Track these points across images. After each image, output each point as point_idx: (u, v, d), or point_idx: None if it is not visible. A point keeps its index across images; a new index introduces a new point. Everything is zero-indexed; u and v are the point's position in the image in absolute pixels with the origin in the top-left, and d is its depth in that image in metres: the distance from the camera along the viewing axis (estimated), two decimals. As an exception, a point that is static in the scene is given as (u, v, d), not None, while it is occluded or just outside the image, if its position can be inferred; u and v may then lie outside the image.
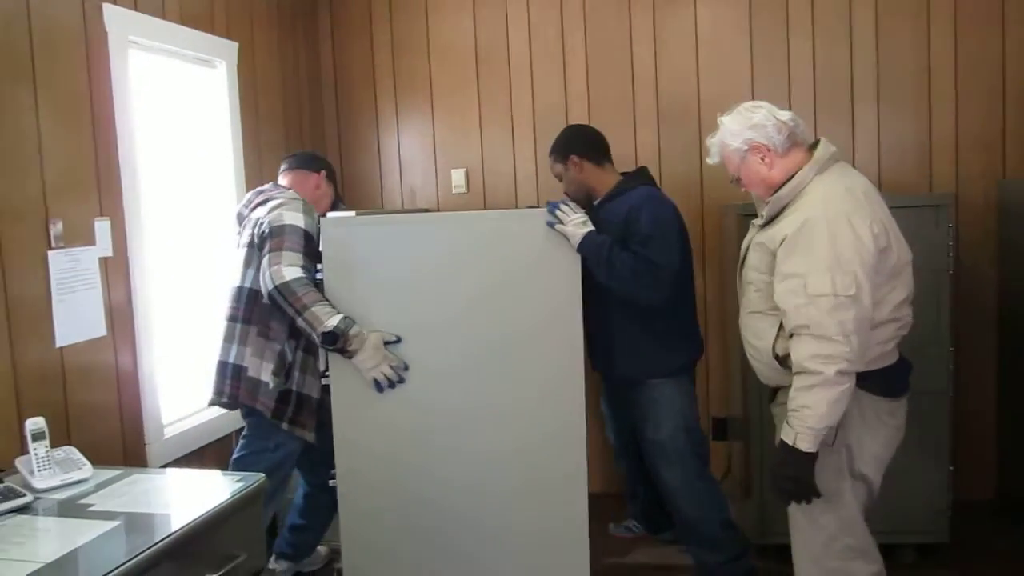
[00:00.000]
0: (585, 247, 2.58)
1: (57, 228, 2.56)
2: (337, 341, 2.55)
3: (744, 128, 2.31)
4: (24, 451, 2.19)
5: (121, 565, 1.66)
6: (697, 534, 3.00)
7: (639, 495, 3.57)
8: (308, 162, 3.04)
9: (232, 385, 2.76)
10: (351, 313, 2.59)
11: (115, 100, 2.84)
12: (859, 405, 2.19)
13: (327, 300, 2.61)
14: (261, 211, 2.81)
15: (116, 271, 2.83)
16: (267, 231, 2.70)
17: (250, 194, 2.99)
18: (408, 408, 2.63)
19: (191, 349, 3.30)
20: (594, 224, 2.64)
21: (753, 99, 3.77)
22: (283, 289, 2.57)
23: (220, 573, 1.93)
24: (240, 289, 2.80)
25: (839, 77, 3.80)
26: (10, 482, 2.07)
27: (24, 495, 2.02)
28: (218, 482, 2.15)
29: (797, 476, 2.15)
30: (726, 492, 3.13)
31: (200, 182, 3.42)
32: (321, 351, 2.79)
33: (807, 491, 2.17)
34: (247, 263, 2.80)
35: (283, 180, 3.00)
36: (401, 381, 2.63)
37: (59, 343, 2.56)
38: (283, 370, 2.73)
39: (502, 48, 4.14)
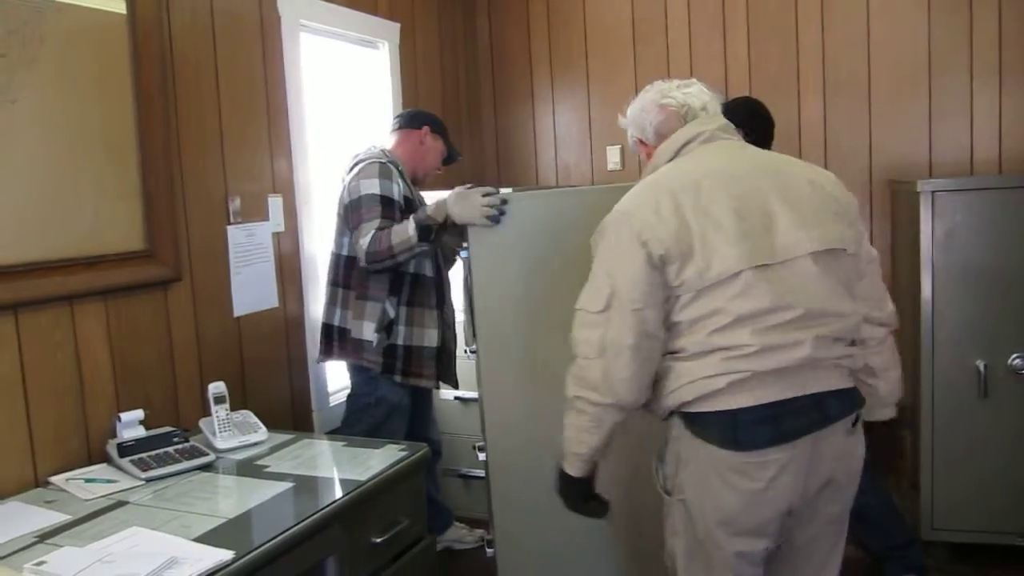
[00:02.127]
0: None
1: (235, 204, 2.72)
2: (431, 231, 2.61)
3: (630, 121, 1.98)
4: (207, 413, 2.35)
5: (295, 525, 1.75)
6: (861, 518, 2.87)
7: None
8: (410, 120, 3.07)
9: (338, 346, 2.87)
10: (501, 289, 2.52)
11: (287, 83, 2.97)
12: (694, 454, 1.76)
13: (392, 221, 2.68)
14: (347, 177, 2.87)
15: (287, 245, 2.98)
16: (347, 203, 2.79)
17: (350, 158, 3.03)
18: (554, 390, 2.60)
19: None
20: None
21: (930, 68, 3.63)
22: (369, 258, 2.67)
23: (384, 538, 2.01)
24: (337, 256, 2.89)
25: (1030, 42, 3.49)
26: (195, 441, 2.23)
27: (208, 454, 2.17)
28: (383, 450, 2.23)
29: (566, 496, 1.92)
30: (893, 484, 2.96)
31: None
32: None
33: (585, 514, 1.95)
34: (339, 231, 2.88)
35: (389, 141, 3.04)
36: (504, 203, 2.41)
37: (236, 313, 2.72)
38: (384, 326, 2.80)
39: (660, 21, 4.04)
